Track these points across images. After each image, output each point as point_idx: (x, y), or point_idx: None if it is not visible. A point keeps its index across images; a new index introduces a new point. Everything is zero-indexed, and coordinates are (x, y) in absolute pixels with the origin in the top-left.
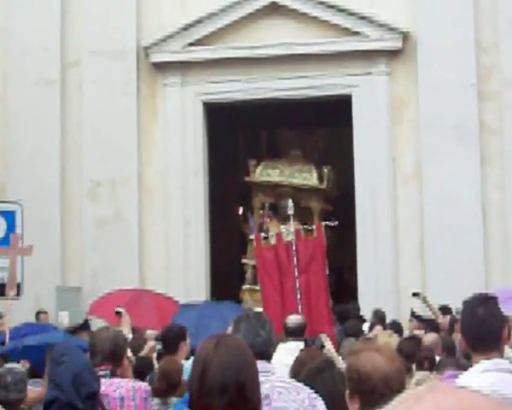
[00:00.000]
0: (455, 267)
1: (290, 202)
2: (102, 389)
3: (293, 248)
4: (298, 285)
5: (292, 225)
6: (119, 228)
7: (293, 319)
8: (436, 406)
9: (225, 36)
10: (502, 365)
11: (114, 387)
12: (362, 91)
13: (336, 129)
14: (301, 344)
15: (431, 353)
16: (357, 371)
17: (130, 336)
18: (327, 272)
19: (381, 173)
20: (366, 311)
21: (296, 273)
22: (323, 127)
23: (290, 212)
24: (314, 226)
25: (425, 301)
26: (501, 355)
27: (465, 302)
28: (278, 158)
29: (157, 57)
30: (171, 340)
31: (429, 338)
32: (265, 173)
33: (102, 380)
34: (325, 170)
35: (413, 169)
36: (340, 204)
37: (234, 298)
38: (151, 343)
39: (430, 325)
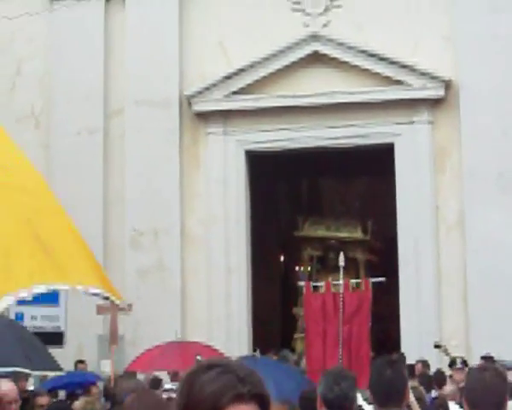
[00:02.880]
0: (499, 318)
1: (342, 255)
2: None
3: (341, 298)
4: (341, 335)
5: (341, 277)
6: (161, 277)
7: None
8: None
9: (267, 85)
10: None
11: None
12: (404, 140)
13: (379, 177)
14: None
15: (444, 402)
16: None
17: None
18: (370, 324)
19: (423, 222)
20: (409, 361)
21: (341, 323)
22: (366, 176)
23: (342, 264)
24: (362, 280)
25: (446, 352)
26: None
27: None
28: (320, 207)
29: (200, 106)
30: None
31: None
32: (313, 228)
33: None
34: (369, 223)
35: (456, 218)
36: (383, 253)
37: (275, 346)
38: None
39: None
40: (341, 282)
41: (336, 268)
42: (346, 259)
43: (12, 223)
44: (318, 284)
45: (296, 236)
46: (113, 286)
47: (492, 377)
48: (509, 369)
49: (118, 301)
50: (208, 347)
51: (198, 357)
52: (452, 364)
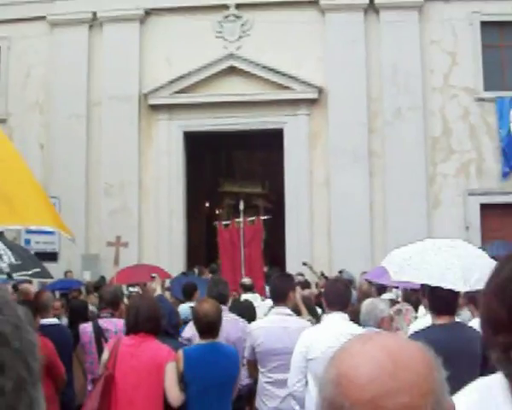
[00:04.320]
0: (350, 246)
1: (242, 203)
2: (105, 325)
3: (242, 231)
4: (243, 255)
5: (241, 217)
6: (125, 216)
7: (248, 280)
8: (383, 344)
9: (199, 87)
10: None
11: (112, 324)
12: (290, 126)
13: (273, 151)
14: (255, 296)
15: (309, 301)
16: (197, 311)
17: (159, 291)
18: (262, 247)
19: (302, 182)
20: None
21: (242, 247)
22: (264, 150)
23: (241, 208)
24: (255, 218)
25: (311, 268)
26: (346, 311)
27: (329, 281)
28: (234, 171)
29: (153, 101)
30: (189, 290)
31: (306, 292)
32: (229, 186)
33: (105, 319)
34: (266, 182)
35: (324, 179)
36: (276, 202)
37: (202, 264)
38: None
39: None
40: (241, 220)
41: (240, 212)
42: (251, 206)
43: None
44: (227, 222)
45: (219, 191)
46: (64, 223)
47: (341, 285)
48: (349, 279)
49: (68, 236)
50: (158, 267)
51: (153, 274)
52: (321, 276)
